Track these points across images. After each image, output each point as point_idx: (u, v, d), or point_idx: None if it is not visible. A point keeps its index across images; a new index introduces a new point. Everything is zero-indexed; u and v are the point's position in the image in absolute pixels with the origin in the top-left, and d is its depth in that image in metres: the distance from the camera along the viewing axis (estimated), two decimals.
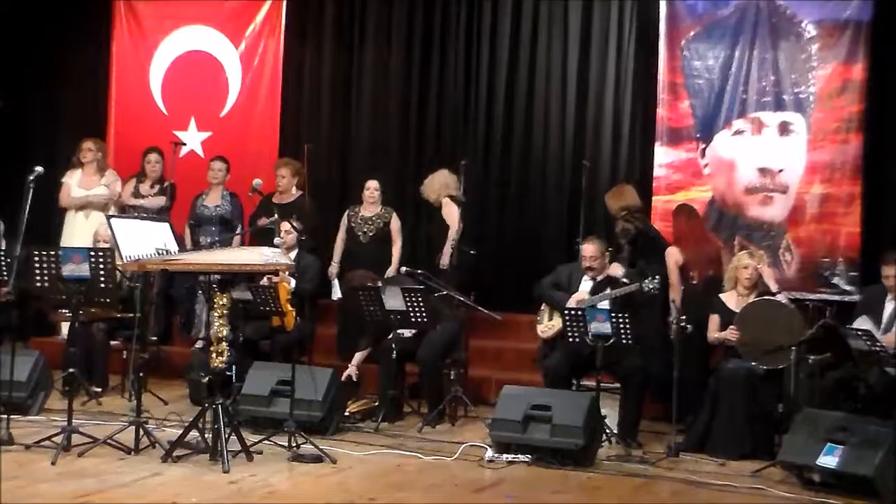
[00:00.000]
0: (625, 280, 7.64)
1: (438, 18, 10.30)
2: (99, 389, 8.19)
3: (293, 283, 8.08)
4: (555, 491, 6.11)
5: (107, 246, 7.51)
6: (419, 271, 8.11)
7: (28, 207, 6.64)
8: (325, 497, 5.74)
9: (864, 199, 8.71)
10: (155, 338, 8.60)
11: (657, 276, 7.42)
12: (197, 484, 5.80)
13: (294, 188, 9.24)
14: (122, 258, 6.30)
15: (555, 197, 9.85)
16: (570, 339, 7.18)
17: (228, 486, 5.81)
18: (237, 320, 7.59)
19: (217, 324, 6.42)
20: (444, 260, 8.82)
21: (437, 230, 9.07)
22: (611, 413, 7.27)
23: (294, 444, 6.59)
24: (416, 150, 10.37)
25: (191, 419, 6.42)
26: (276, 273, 7.75)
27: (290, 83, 10.64)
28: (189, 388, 8.15)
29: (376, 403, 7.84)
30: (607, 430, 7.09)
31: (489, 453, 6.71)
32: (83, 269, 6.46)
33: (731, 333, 7.30)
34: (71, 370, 6.82)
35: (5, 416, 6.53)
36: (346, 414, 7.60)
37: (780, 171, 8.94)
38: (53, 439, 6.35)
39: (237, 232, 9.17)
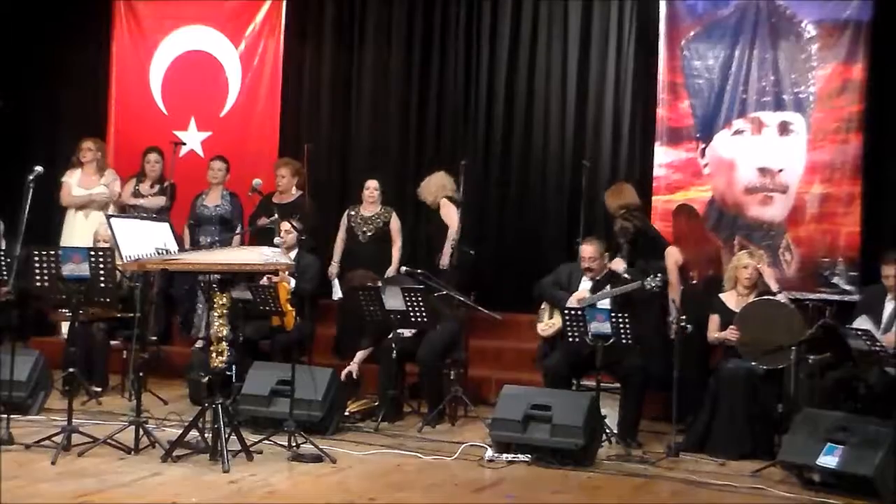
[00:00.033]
0: (626, 276, 7.65)
1: (438, 18, 10.31)
2: (99, 389, 8.19)
3: (293, 282, 8.09)
4: (555, 491, 6.11)
5: (107, 246, 7.51)
6: (419, 271, 8.11)
7: (28, 207, 6.64)
8: (325, 497, 5.73)
9: (864, 199, 8.71)
10: (155, 338, 8.60)
11: (659, 274, 7.43)
12: (197, 484, 5.80)
13: (294, 188, 9.25)
14: (122, 258, 6.30)
15: (555, 197, 9.85)
16: (570, 339, 7.18)
17: (228, 485, 5.81)
18: (237, 320, 7.59)
19: (217, 324, 6.42)
20: (444, 260, 8.83)
21: (436, 231, 9.08)
22: (611, 413, 7.26)
23: (294, 444, 6.59)
24: (416, 150, 10.37)
25: (191, 419, 6.42)
26: (276, 273, 7.74)
27: (290, 83, 10.64)
28: (189, 388, 8.15)
29: (376, 403, 7.84)
30: (607, 430, 7.09)
31: (489, 453, 6.71)
32: (83, 269, 6.46)
33: (731, 333, 7.30)
34: (71, 370, 6.82)
35: (5, 415, 6.52)
36: (346, 414, 7.60)
37: (780, 170, 8.94)
38: (53, 439, 6.35)
39: (237, 232, 9.17)
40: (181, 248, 7.07)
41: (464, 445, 6.91)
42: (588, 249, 7.60)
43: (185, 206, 9.50)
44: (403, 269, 8.36)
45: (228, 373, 6.67)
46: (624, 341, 6.95)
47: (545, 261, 8.83)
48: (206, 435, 6.32)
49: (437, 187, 9.09)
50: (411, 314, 7.69)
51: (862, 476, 6.04)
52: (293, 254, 8.12)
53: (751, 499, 6.16)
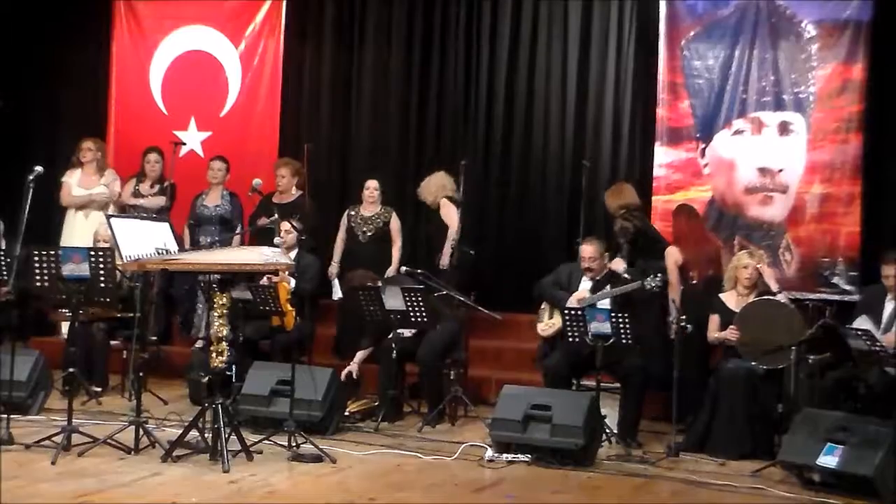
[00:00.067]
0: (626, 276, 7.64)
1: (438, 18, 10.31)
2: (99, 389, 8.19)
3: (293, 282, 8.09)
4: (555, 491, 6.11)
5: (107, 246, 7.51)
6: (419, 271, 8.11)
7: (28, 207, 6.64)
8: (325, 497, 5.73)
9: (864, 198, 8.71)
10: (155, 338, 8.60)
11: (659, 274, 7.43)
12: (197, 484, 5.80)
13: (294, 188, 9.25)
14: (122, 258, 6.30)
15: (555, 197, 9.85)
16: (570, 339, 7.18)
17: (228, 485, 5.81)
18: (237, 320, 7.59)
19: (217, 324, 6.42)
20: (444, 260, 8.83)
21: (436, 231, 9.08)
22: (611, 413, 7.26)
23: (294, 444, 6.58)
24: (416, 150, 10.38)
25: (191, 419, 6.42)
26: (275, 273, 7.74)
27: (290, 83, 10.64)
28: (189, 388, 8.15)
29: (376, 403, 7.84)
30: (607, 430, 7.09)
31: (489, 453, 6.71)
32: (83, 269, 6.46)
33: (731, 333, 7.30)
34: (71, 370, 6.82)
35: (5, 415, 6.52)
36: (346, 414, 7.59)
37: (780, 170, 8.94)
38: (53, 439, 6.35)
39: (237, 232, 9.17)
40: (181, 248, 7.07)
41: (464, 445, 6.91)
42: (588, 250, 7.60)
43: (185, 206, 9.49)
44: (403, 269, 8.37)
45: (228, 373, 6.67)
46: (624, 341, 6.95)
47: (545, 261, 8.83)
48: (206, 435, 6.32)
49: (436, 187, 9.09)
50: (411, 314, 7.69)
51: (862, 476, 6.04)
52: (293, 254, 8.12)
53: (751, 499, 6.16)
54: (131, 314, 7.86)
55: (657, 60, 9.32)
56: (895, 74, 8.76)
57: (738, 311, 7.35)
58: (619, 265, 7.91)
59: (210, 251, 7.82)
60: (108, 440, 6.40)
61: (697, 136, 9.17)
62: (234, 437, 6.32)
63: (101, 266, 6.50)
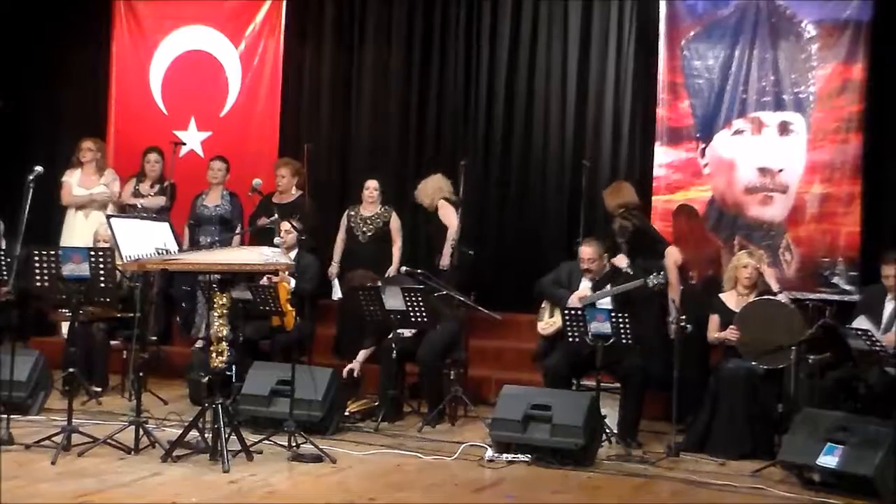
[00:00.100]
0: (629, 270, 7.64)
1: (438, 18, 10.31)
2: (99, 389, 8.19)
3: (293, 282, 8.08)
4: (555, 491, 6.11)
5: (107, 246, 7.51)
6: (419, 271, 8.11)
7: (28, 207, 6.64)
8: (325, 497, 5.73)
9: (864, 198, 8.71)
10: (155, 338, 8.60)
11: (662, 272, 7.42)
12: (197, 484, 5.80)
13: (294, 188, 9.24)
14: (122, 258, 6.30)
15: (555, 197, 9.85)
16: (570, 339, 7.18)
17: (228, 485, 5.81)
18: (237, 320, 7.59)
19: (217, 324, 6.42)
20: (444, 261, 8.82)
21: (435, 232, 9.08)
22: (611, 413, 7.26)
23: (294, 444, 6.58)
24: (416, 150, 10.38)
25: (191, 419, 6.42)
26: (275, 273, 7.74)
27: (290, 83, 10.64)
28: (189, 388, 8.15)
29: (376, 403, 7.84)
30: (607, 430, 7.09)
31: (489, 453, 6.71)
32: (83, 269, 6.46)
33: (731, 333, 7.29)
34: (71, 370, 6.82)
35: (5, 415, 6.52)
36: (346, 414, 7.59)
37: (780, 170, 8.94)
38: (53, 439, 6.35)
39: (237, 232, 9.17)
40: (180, 248, 7.07)
41: (464, 445, 6.91)
42: (587, 251, 7.59)
43: (185, 206, 9.49)
44: (403, 268, 8.37)
45: (228, 373, 6.67)
46: (624, 341, 6.95)
47: (545, 261, 8.82)
48: (206, 435, 6.32)
49: (433, 190, 9.09)
50: (411, 314, 7.69)
51: (862, 476, 6.04)
52: (293, 254, 8.12)
53: (751, 499, 6.16)
54: (131, 314, 7.86)
55: (657, 60, 9.32)
56: (895, 74, 8.76)
57: (738, 311, 7.35)
58: (621, 261, 7.90)
59: (210, 251, 7.81)
60: (108, 440, 6.40)
61: (697, 136, 9.17)
62: (234, 437, 6.32)
63: (101, 266, 6.50)
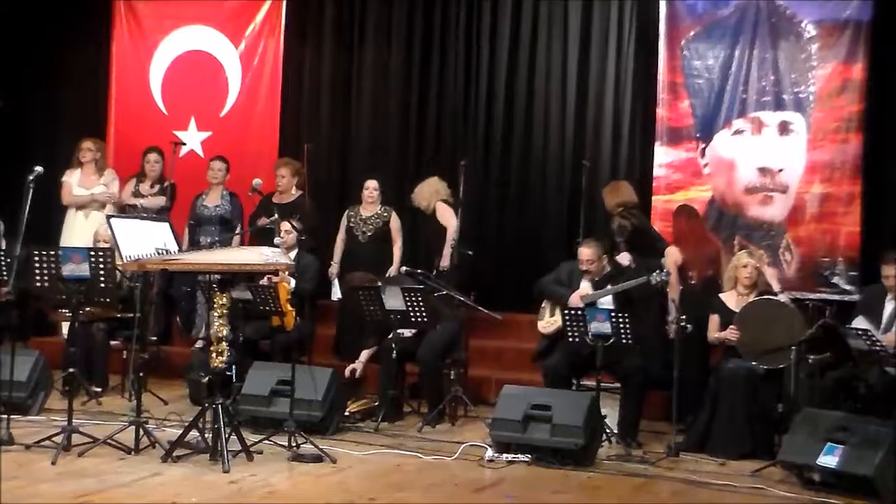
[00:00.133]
0: (632, 265, 7.63)
1: (438, 18, 10.31)
2: (99, 389, 8.19)
3: (293, 282, 8.08)
4: (555, 491, 6.11)
5: (107, 246, 7.51)
6: (419, 271, 8.11)
7: (28, 207, 6.64)
8: (325, 497, 5.73)
9: (864, 198, 8.72)
10: (155, 338, 8.60)
11: (665, 270, 7.42)
12: (197, 484, 5.80)
13: (294, 188, 9.24)
14: (122, 258, 6.30)
15: (555, 197, 9.85)
16: (570, 339, 7.18)
17: (228, 485, 5.81)
18: (237, 320, 7.59)
19: (217, 324, 6.42)
20: (444, 262, 8.81)
21: (434, 234, 9.07)
22: (611, 413, 7.26)
23: (294, 444, 6.58)
24: (416, 150, 10.38)
25: (191, 419, 6.42)
26: (275, 273, 7.74)
27: (290, 83, 10.64)
28: (189, 388, 8.14)
29: (376, 403, 7.84)
30: (607, 430, 7.09)
31: (489, 453, 6.70)
32: (83, 269, 6.46)
33: (731, 333, 7.29)
34: (71, 370, 6.81)
35: (5, 416, 6.52)
36: (346, 414, 7.59)
37: (780, 170, 8.94)
38: (53, 439, 6.35)
39: (237, 232, 9.17)
40: (180, 248, 7.07)
41: (464, 445, 6.91)
42: (586, 252, 7.56)
43: (185, 206, 9.49)
44: (403, 269, 8.37)
45: (228, 373, 6.67)
46: (624, 341, 6.95)
47: (545, 261, 8.82)
48: (206, 435, 6.32)
49: (430, 193, 9.09)
50: (411, 314, 7.69)
51: (862, 476, 6.03)
52: (293, 254, 8.12)
53: (751, 499, 6.16)
54: (131, 314, 7.86)
55: (657, 60, 9.32)
56: (895, 74, 8.76)
57: (737, 310, 7.34)
58: (624, 259, 7.90)
59: (210, 251, 7.81)
60: (109, 440, 6.39)
61: (697, 135, 9.18)
62: (234, 437, 6.32)
63: (101, 266, 6.50)
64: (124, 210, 9.32)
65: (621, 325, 6.92)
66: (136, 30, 10.89)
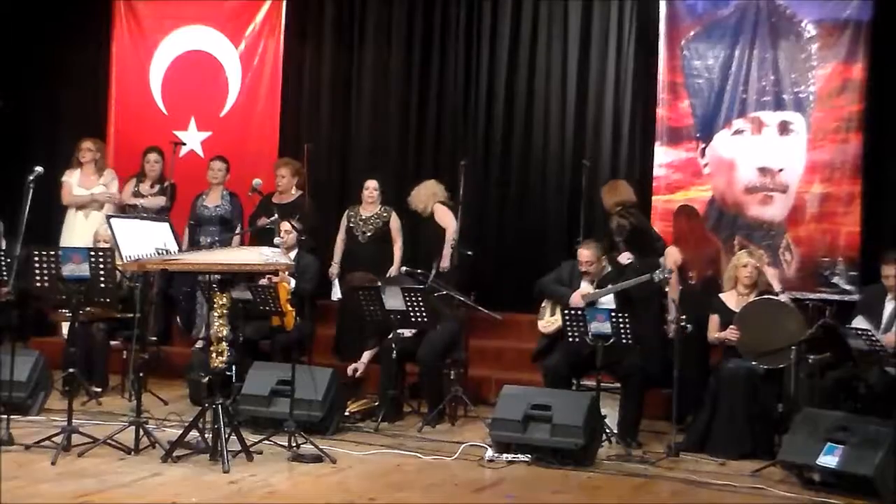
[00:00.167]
0: (635, 264, 7.62)
1: (438, 19, 10.31)
2: (99, 389, 8.19)
3: (293, 282, 8.08)
4: (555, 491, 6.11)
5: (107, 246, 7.51)
6: (419, 271, 8.11)
7: (28, 207, 6.64)
8: (325, 497, 5.73)
9: (864, 198, 8.72)
10: (155, 338, 8.60)
11: (668, 268, 7.42)
12: (197, 484, 5.80)
13: (294, 188, 9.24)
14: (122, 258, 6.30)
15: (555, 197, 9.85)
16: (570, 339, 7.18)
17: (228, 486, 5.81)
18: (237, 320, 7.59)
19: (217, 324, 6.42)
20: (445, 263, 8.80)
21: (432, 237, 9.06)
22: (611, 413, 7.26)
23: (294, 444, 6.58)
24: (416, 150, 10.38)
25: (191, 419, 6.42)
26: (275, 273, 7.74)
27: (290, 83, 10.65)
28: (189, 388, 8.14)
29: (376, 403, 7.84)
30: (607, 430, 7.09)
31: (489, 453, 6.70)
32: (83, 269, 6.46)
33: (731, 333, 7.29)
34: (71, 370, 6.82)
35: (5, 416, 6.52)
36: (346, 414, 7.59)
37: (780, 170, 8.95)
38: (53, 439, 6.35)
39: (237, 232, 9.17)
40: (180, 249, 7.07)
41: (464, 445, 6.91)
42: (585, 254, 7.55)
43: (186, 206, 9.49)
44: (403, 269, 8.37)
45: (228, 373, 6.66)
46: (624, 341, 6.95)
47: (545, 261, 8.81)
48: (206, 435, 6.32)
49: (426, 196, 9.09)
50: (411, 314, 7.69)
51: (862, 476, 6.03)
52: (293, 254, 8.12)
53: (751, 499, 6.16)
54: (131, 314, 7.86)
55: (657, 60, 9.33)
56: (895, 74, 8.76)
57: (737, 310, 7.34)
58: (625, 258, 7.89)
59: (210, 251, 7.81)
60: (108, 440, 6.39)
61: (697, 135, 9.18)
62: (234, 437, 6.32)
63: (101, 266, 6.50)
64: (124, 210, 9.31)
65: (621, 325, 6.92)
66: (136, 30, 10.89)
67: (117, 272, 7.05)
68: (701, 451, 7.06)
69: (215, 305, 6.44)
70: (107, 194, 9.50)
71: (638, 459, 6.86)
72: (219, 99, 10.69)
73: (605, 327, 6.94)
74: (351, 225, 9.15)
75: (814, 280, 8.80)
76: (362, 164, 10.29)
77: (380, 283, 8.12)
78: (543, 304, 7.81)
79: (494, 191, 10.08)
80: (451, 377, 7.95)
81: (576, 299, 7.45)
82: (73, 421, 6.45)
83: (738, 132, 9.08)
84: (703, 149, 9.15)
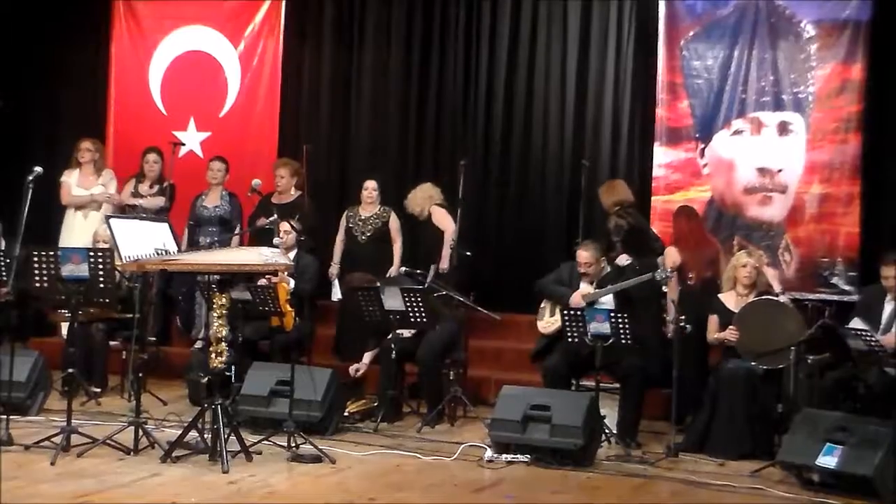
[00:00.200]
0: (635, 265, 7.62)
1: (438, 18, 10.31)
2: (98, 390, 8.19)
3: (292, 283, 8.08)
4: (554, 491, 6.11)
5: (106, 246, 7.51)
6: (418, 271, 8.11)
7: (27, 207, 6.64)
8: (324, 497, 5.74)
9: (864, 199, 8.72)
10: (154, 338, 8.60)
11: (669, 267, 7.42)
12: (196, 484, 5.80)
13: (293, 188, 9.24)
14: (121, 258, 6.30)
15: (554, 197, 9.85)
16: (570, 340, 7.18)
17: (228, 486, 5.81)
18: (236, 320, 7.59)
19: (216, 324, 6.42)
20: (444, 264, 8.80)
21: (430, 239, 9.06)
22: (610, 413, 7.26)
23: (293, 445, 6.58)
24: (416, 150, 10.38)
25: (190, 419, 6.42)
26: (275, 273, 7.74)
27: (290, 83, 10.65)
28: (188, 389, 8.14)
29: (376, 403, 7.84)
30: (607, 430, 7.09)
31: (488, 453, 6.71)
32: (82, 270, 6.46)
33: (730, 333, 7.29)
34: (70, 370, 6.82)
35: (5, 416, 6.52)
36: (346, 414, 7.59)
37: (779, 170, 8.95)
38: (53, 439, 6.35)
39: (236, 232, 9.17)
40: (180, 249, 7.07)
41: (463, 446, 6.91)
42: (584, 255, 7.54)
43: (185, 206, 9.49)
44: (403, 269, 8.37)
45: (228, 373, 6.66)
46: (623, 341, 6.95)
47: (545, 261, 8.82)
48: (205, 435, 6.32)
49: (423, 199, 9.09)
50: (411, 314, 7.69)
51: (861, 476, 6.04)
52: (292, 254, 8.12)
53: (750, 499, 6.16)
54: (130, 315, 7.86)
55: (656, 60, 9.33)
56: (894, 74, 8.77)
57: (737, 311, 7.34)
58: (623, 261, 7.89)
59: (209, 252, 7.81)
60: (108, 441, 6.39)
61: (697, 136, 9.18)
62: (233, 437, 6.32)
63: (101, 266, 6.50)
64: (123, 210, 9.31)
65: (620, 326, 6.92)
66: (136, 30, 10.90)
67: (116, 272, 7.04)
68: (700, 451, 7.06)
69: (214, 306, 6.44)
70: (106, 194, 9.50)
71: (637, 460, 6.87)
72: (218, 99, 10.69)
73: (605, 328, 6.94)
74: (350, 225, 9.15)
75: (813, 280, 8.80)
76: (362, 164, 10.30)
77: (379, 284, 8.12)
78: (543, 305, 7.81)
79: (494, 191, 10.08)
80: (451, 377, 7.95)
81: (576, 299, 7.45)
82: (73, 421, 6.45)
83: (737, 132, 9.08)
84: (703, 149, 9.16)
